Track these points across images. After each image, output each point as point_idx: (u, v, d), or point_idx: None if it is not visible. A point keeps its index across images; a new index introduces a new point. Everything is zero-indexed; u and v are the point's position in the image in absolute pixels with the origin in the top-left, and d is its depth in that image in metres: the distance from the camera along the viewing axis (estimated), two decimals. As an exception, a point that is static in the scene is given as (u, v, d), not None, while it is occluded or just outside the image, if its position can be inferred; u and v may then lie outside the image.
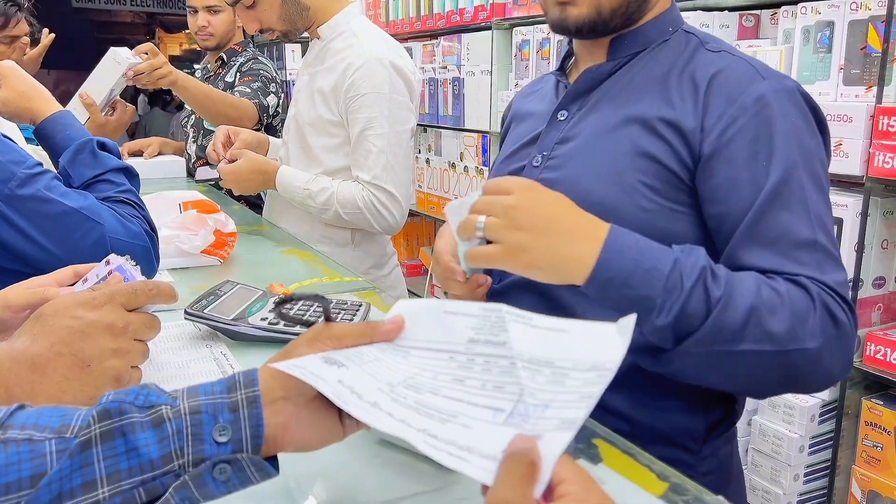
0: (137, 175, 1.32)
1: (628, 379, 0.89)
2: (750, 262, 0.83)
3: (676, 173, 0.88)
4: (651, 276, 0.77)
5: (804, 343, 0.77)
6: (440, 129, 3.19)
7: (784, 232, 0.82)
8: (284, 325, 1.02)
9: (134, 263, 1.07)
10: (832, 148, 1.63)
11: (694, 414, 0.93)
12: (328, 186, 1.77)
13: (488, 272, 0.96)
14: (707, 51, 0.93)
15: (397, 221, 1.78)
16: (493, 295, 1.02)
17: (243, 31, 2.78)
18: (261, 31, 1.84)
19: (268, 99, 2.59)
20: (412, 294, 3.28)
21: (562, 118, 1.00)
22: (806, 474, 1.80)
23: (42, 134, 1.28)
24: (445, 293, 1.04)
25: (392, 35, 1.86)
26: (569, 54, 1.08)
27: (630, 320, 0.53)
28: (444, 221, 3.50)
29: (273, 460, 0.57)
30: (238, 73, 2.67)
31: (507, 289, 0.99)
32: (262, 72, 2.64)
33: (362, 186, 1.74)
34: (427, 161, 3.19)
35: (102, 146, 1.28)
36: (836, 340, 0.79)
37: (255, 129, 2.46)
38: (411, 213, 3.18)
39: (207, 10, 2.65)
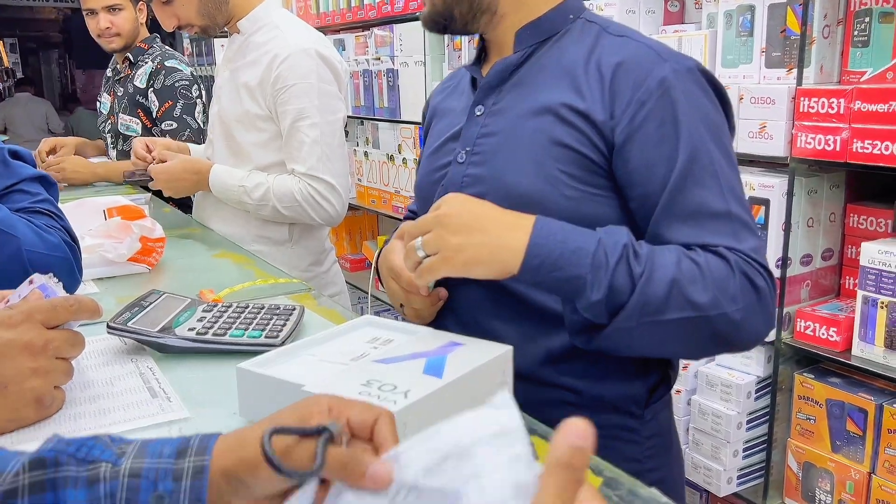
0: (55, 184, 1.28)
1: (571, 356, 0.95)
2: (671, 238, 0.88)
3: (593, 160, 0.92)
4: (578, 256, 0.82)
5: (725, 308, 0.83)
6: (377, 122, 3.16)
7: (699, 206, 0.87)
8: (213, 336, 0.99)
9: (56, 280, 1.03)
10: (757, 129, 1.67)
11: (634, 380, 0.98)
12: (263, 181, 1.73)
13: (441, 283, 0.99)
14: (609, 34, 0.96)
15: (338, 212, 1.75)
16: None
17: (148, 25, 2.67)
18: (179, 28, 1.79)
19: (196, 116, 2.50)
20: (353, 287, 3.23)
21: (479, 113, 1.02)
22: (745, 449, 1.85)
23: (-53, 145, 1.21)
24: (401, 305, 1.02)
25: (323, 27, 1.83)
26: (483, 48, 1.08)
27: (505, 396, 0.45)
28: (387, 216, 3.42)
29: None
30: (152, 91, 2.52)
31: (456, 284, 0.98)
32: (177, 84, 2.50)
33: (298, 179, 1.70)
34: (365, 154, 3.15)
35: (15, 154, 1.22)
36: (757, 304, 0.85)
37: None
38: (352, 207, 3.14)
39: (108, 10, 2.51)
